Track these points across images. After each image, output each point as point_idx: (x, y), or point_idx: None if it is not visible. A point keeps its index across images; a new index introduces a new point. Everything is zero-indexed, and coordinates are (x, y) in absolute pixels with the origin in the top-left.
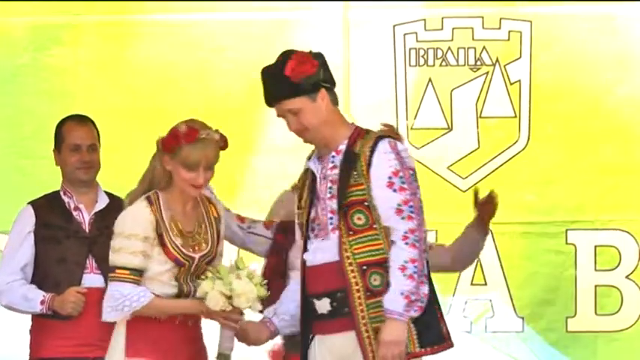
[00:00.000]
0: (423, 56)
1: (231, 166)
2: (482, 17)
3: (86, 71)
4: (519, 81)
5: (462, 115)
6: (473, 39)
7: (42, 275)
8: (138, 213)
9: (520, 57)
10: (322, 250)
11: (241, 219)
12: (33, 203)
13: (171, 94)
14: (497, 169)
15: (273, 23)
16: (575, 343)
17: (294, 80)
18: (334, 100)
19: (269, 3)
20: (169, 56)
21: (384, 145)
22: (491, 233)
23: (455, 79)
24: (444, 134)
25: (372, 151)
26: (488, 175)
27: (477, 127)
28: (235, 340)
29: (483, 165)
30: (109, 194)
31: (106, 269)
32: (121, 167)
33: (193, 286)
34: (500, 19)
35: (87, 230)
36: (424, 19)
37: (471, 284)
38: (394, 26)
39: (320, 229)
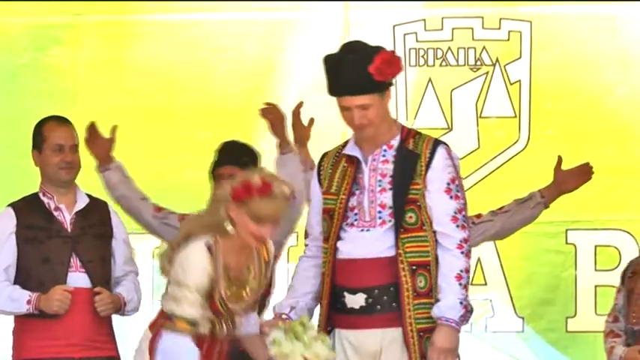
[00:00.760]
0: (422, 56)
1: None
2: (482, 17)
3: (86, 71)
4: (519, 81)
5: (461, 115)
6: (473, 39)
7: (25, 276)
8: (200, 264)
9: (520, 57)
10: (364, 242)
11: (158, 209)
12: (13, 205)
13: (172, 94)
14: (497, 169)
15: (273, 23)
16: (575, 343)
17: (377, 78)
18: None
19: (269, 3)
20: (169, 56)
21: (443, 151)
22: None
23: (455, 79)
24: (444, 134)
25: (432, 154)
26: (488, 175)
27: (477, 127)
28: None
29: (483, 165)
30: (88, 195)
31: (91, 268)
32: None
33: (225, 324)
34: (500, 19)
35: (69, 230)
36: (424, 20)
37: (471, 284)
38: (394, 26)
39: (360, 220)
